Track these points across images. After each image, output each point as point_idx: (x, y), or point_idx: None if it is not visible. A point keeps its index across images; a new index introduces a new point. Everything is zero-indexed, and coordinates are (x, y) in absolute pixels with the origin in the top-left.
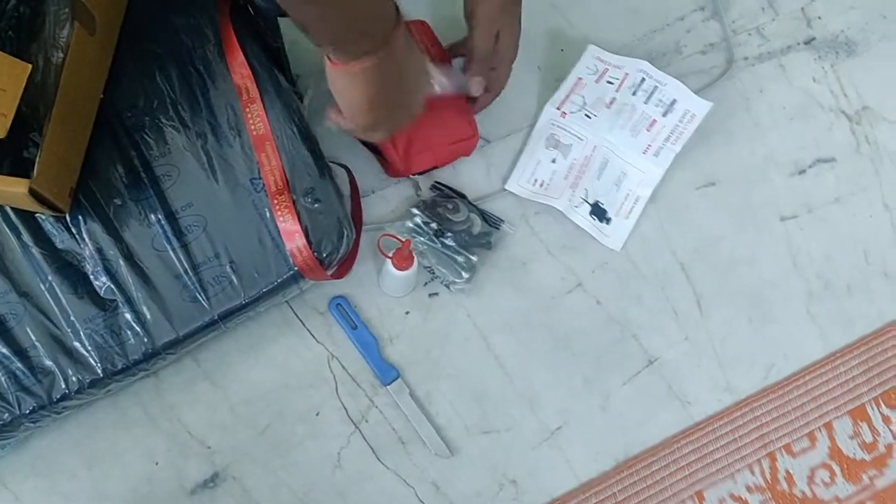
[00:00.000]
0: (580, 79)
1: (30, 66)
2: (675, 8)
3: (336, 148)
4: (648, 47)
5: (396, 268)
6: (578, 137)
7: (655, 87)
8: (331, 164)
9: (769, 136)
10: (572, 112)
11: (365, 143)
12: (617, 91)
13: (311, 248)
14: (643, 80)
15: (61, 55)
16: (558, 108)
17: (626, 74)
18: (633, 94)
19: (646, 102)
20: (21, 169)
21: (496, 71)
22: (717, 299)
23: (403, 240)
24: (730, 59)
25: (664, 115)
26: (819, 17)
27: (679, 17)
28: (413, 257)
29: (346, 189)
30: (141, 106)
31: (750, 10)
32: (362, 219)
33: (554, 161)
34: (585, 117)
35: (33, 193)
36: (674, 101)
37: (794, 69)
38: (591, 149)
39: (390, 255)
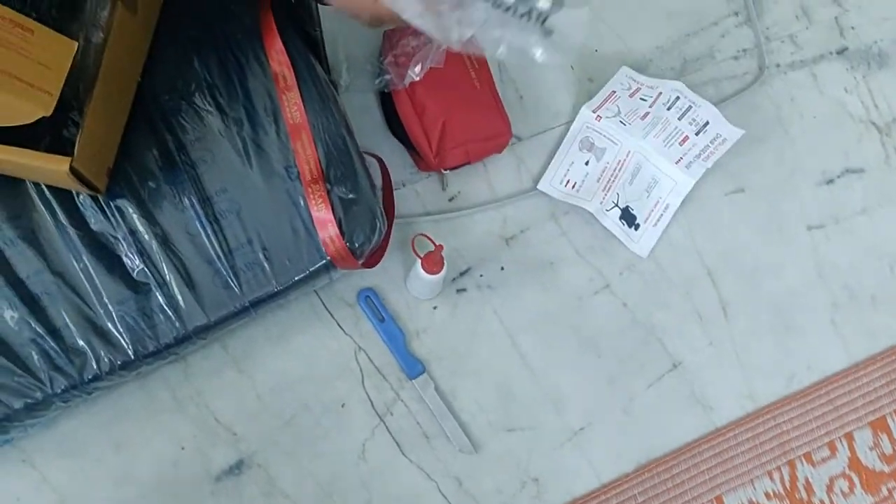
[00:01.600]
0: (613, 92)
1: (76, 43)
2: (709, 13)
3: (370, 139)
4: (682, 51)
5: (426, 271)
6: (613, 141)
7: (690, 106)
8: (364, 155)
9: (799, 144)
10: (607, 117)
11: (398, 136)
12: (651, 106)
13: (343, 237)
14: (678, 98)
15: (102, 35)
16: (594, 112)
17: (660, 93)
18: (668, 108)
19: (679, 119)
20: (60, 147)
21: None
22: (743, 306)
23: (437, 244)
24: (762, 65)
25: (697, 133)
26: (852, 28)
27: (713, 22)
28: (443, 263)
29: (378, 180)
30: (178, 90)
31: (784, 17)
32: (394, 209)
33: (587, 163)
34: (620, 123)
35: (74, 172)
36: (707, 123)
37: (825, 78)
38: (624, 153)
39: (422, 255)
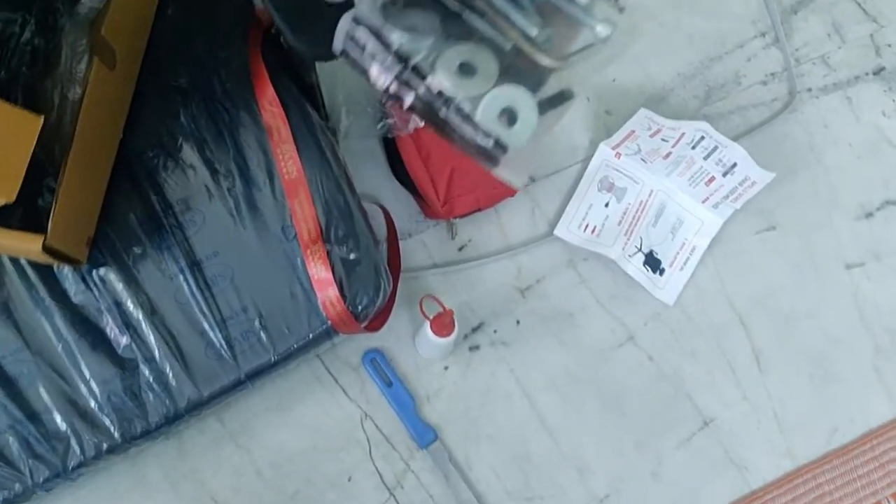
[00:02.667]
0: (633, 131)
1: (42, 118)
2: (734, 35)
3: (372, 186)
4: (705, 77)
5: (436, 334)
6: (634, 180)
7: (716, 146)
8: (367, 205)
9: (834, 175)
10: (627, 154)
11: (403, 183)
12: (673, 146)
13: (345, 301)
14: (702, 137)
15: (79, 90)
16: (613, 149)
17: (683, 133)
18: (692, 147)
19: (705, 158)
20: (35, 218)
21: None
22: (778, 355)
23: (447, 308)
24: (792, 90)
25: (724, 175)
26: (889, 45)
27: (738, 45)
28: (454, 325)
29: (382, 231)
30: (164, 145)
31: (814, 36)
32: (400, 265)
33: (607, 205)
34: (641, 161)
35: (48, 249)
36: (734, 165)
37: (861, 102)
38: (647, 193)
39: (431, 317)
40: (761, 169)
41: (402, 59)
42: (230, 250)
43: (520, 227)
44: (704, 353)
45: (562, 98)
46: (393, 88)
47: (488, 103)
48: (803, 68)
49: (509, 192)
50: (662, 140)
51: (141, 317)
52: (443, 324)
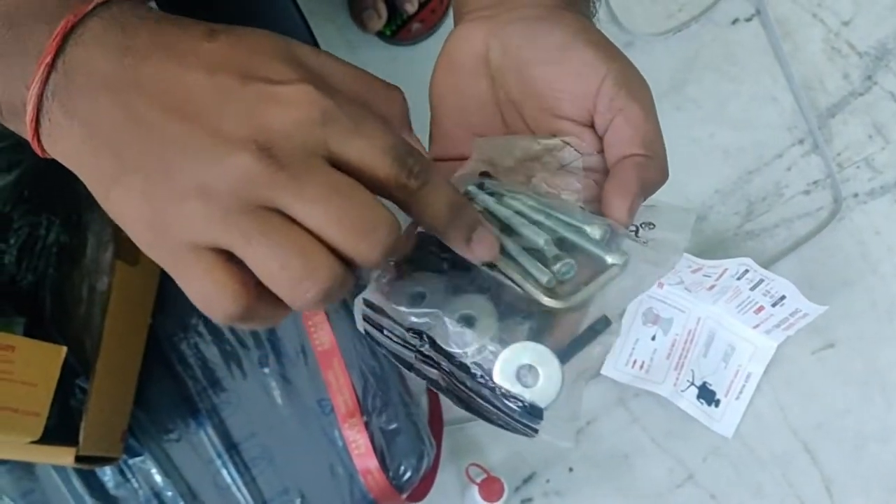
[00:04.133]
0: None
1: (64, 349)
2: (770, 144)
3: None
4: (745, 191)
5: (485, 500)
6: (679, 309)
7: (762, 279)
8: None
9: (891, 284)
10: (670, 284)
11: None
12: (717, 280)
13: (387, 473)
14: (746, 271)
15: (106, 280)
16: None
17: (726, 269)
18: (737, 279)
19: (752, 289)
20: (67, 419)
21: None
22: (850, 483)
23: (493, 475)
24: (837, 197)
25: (773, 305)
26: None
27: (777, 155)
28: (503, 489)
29: (420, 384)
30: (192, 326)
31: (855, 139)
32: (442, 420)
33: (654, 338)
34: (686, 290)
35: (81, 459)
36: (783, 297)
37: None
38: (694, 321)
39: (478, 482)
40: (812, 303)
41: (417, 333)
42: (267, 429)
43: None
44: (770, 487)
45: (594, 332)
46: (417, 366)
47: (503, 367)
48: (847, 173)
49: None
50: (704, 276)
51: None
52: (492, 490)
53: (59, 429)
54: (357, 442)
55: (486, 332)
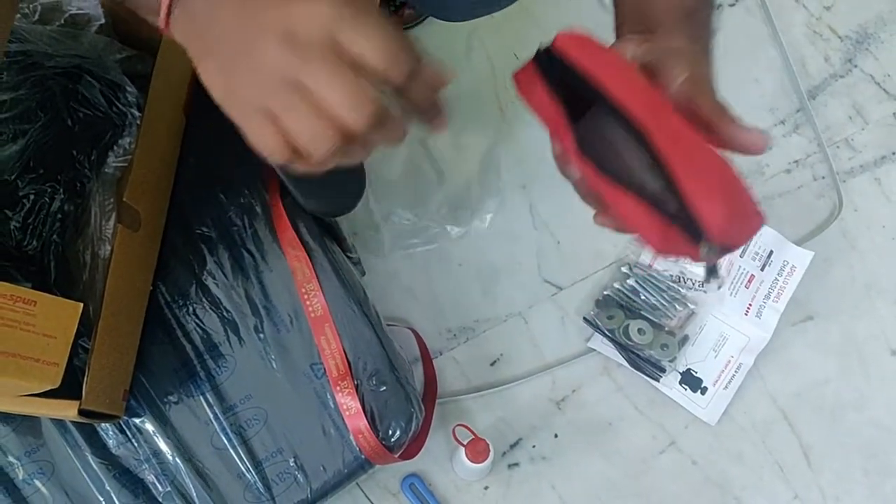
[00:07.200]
0: None
1: (80, 305)
2: (751, 123)
3: (399, 307)
4: None
5: (471, 460)
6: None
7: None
8: (395, 327)
9: (869, 258)
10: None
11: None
12: None
13: (377, 434)
14: None
15: (109, 248)
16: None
17: None
18: None
19: (741, 256)
20: (71, 378)
21: None
22: (828, 450)
23: (479, 437)
24: (817, 175)
25: (762, 269)
26: None
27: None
28: (489, 450)
29: (412, 352)
30: (192, 293)
31: (836, 120)
32: (436, 386)
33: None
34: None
35: (84, 413)
36: (770, 253)
37: (891, 182)
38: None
39: (465, 443)
40: (797, 248)
41: None
42: (262, 393)
43: (549, 339)
44: (750, 453)
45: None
46: None
47: None
48: (828, 152)
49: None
50: None
51: (179, 464)
52: (477, 450)
53: (64, 385)
54: (348, 404)
55: None
